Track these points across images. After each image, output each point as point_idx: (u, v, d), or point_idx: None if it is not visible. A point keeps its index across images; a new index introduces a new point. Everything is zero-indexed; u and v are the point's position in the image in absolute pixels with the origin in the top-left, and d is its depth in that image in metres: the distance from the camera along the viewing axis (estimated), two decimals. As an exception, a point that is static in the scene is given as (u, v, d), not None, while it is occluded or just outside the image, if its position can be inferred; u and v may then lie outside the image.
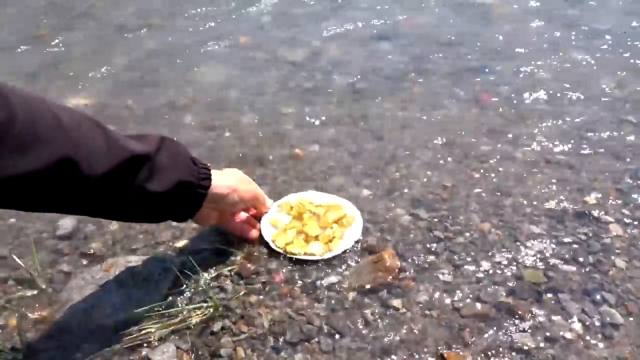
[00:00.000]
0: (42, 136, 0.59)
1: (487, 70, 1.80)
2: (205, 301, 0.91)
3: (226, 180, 0.89)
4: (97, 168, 0.64)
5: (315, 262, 0.97)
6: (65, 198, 0.65)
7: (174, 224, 1.11)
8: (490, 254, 1.02)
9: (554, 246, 1.04)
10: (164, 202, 0.76)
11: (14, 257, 1.03)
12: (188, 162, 0.79)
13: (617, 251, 1.03)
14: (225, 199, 0.88)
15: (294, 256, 0.97)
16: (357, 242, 1.02)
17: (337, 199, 1.11)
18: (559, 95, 1.63)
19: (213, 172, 0.85)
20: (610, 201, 1.17)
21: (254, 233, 1.02)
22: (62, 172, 0.61)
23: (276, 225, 1.04)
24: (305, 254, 0.98)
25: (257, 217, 1.08)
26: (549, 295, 0.93)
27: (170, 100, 1.66)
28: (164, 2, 2.57)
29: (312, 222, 1.04)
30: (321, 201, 1.10)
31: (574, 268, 0.99)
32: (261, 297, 0.93)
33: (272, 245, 0.99)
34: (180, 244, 1.06)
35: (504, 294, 0.93)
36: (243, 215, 1.04)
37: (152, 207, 0.75)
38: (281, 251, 0.98)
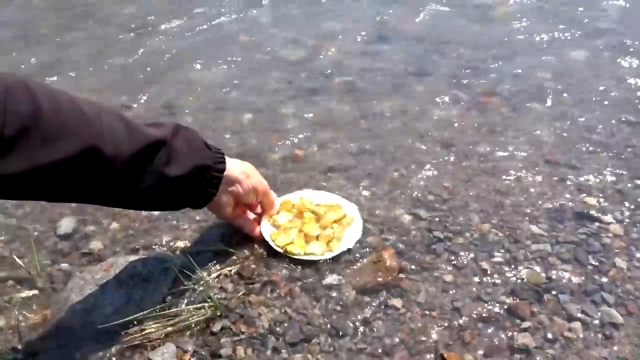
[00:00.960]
0: (68, 127, 0.61)
1: (487, 70, 1.80)
2: (205, 301, 0.91)
3: (240, 166, 0.90)
4: (120, 154, 0.66)
5: (316, 262, 0.97)
6: (91, 186, 0.67)
7: (174, 223, 1.11)
8: (490, 254, 1.02)
9: (554, 246, 1.04)
10: (182, 187, 0.77)
11: (14, 257, 1.03)
12: (203, 147, 0.81)
13: (617, 251, 1.03)
14: (240, 184, 0.89)
15: (294, 256, 0.96)
16: (357, 242, 1.02)
17: (337, 198, 1.10)
18: (558, 95, 1.63)
19: (228, 158, 0.87)
20: (610, 201, 1.17)
21: (258, 231, 1.02)
22: (88, 160, 0.63)
23: (276, 224, 1.03)
24: (305, 254, 0.97)
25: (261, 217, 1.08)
26: (549, 295, 0.93)
27: (170, 100, 1.66)
28: (164, 2, 2.57)
29: (312, 222, 1.03)
30: (321, 200, 1.09)
31: (574, 268, 0.99)
32: (261, 297, 0.93)
33: (272, 245, 0.98)
34: (181, 244, 1.06)
35: (504, 294, 0.93)
36: (251, 215, 1.05)
37: (172, 192, 0.76)
38: (281, 251, 0.97)
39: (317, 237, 1.00)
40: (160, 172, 0.72)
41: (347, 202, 1.09)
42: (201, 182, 0.81)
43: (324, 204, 1.08)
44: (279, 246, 0.98)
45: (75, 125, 0.62)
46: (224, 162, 0.85)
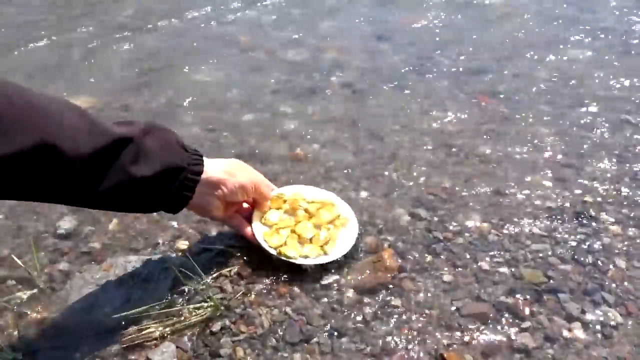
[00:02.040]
0: (21, 120, 0.58)
1: (487, 70, 1.80)
2: (205, 301, 0.91)
3: (222, 166, 0.85)
4: (78, 151, 0.62)
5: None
6: (48, 184, 0.63)
7: (174, 223, 1.11)
8: (490, 254, 1.02)
9: (554, 246, 1.04)
10: (152, 188, 0.73)
11: (14, 257, 1.03)
12: (177, 147, 0.76)
13: (617, 251, 1.03)
14: (225, 185, 0.84)
15: (288, 259, 0.92)
16: (353, 246, 0.96)
17: (331, 196, 1.04)
18: (558, 95, 1.63)
19: (208, 159, 0.82)
20: (610, 201, 1.17)
21: (249, 231, 0.96)
22: (40, 156, 0.59)
23: (267, 223, 0.97)
24: (300, 256, 0.93)
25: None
26: (549, 295, 0.93)
27: (170, 100, 1.66)
28: (164, 2, 2.57)
29: (305, 222, 0.98)
30: (314, 197, 1.03)
31: (574, 268, 0.99)
32: (261, 297, 0.93)
33: (265, 246, 0.93)
34: (180, 244, 1.06)
35: (504, 294, 0.93)
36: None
37: (140, 193, 0.72)
38: (274, 253, 0.92)
39: (310, 240, 0.95)
40: (126, 172, 0.68)
41: (341, 201, 1.03)
42: (174, 184, 0.76)
43: (317, 200, 1.02)
44: (272, 247, 0.93)
45: (29, 119, 0.59)
46: (201, 164, 0.80)
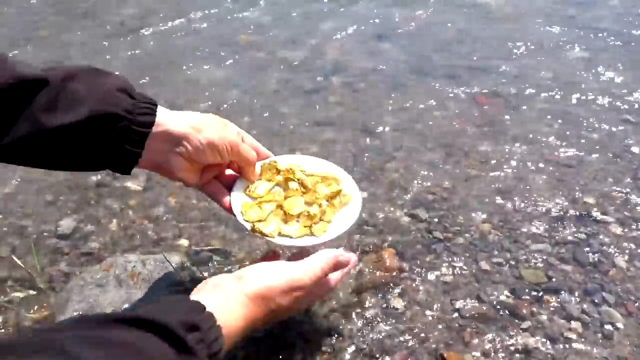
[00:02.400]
0: None
1: (487, 69, 1.80)
2: (205, 301, 0.91)
3: (188, 119, 0.69)
4: None
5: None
6: None
7: (174, 223, 1.11)
8: (490, 254, 1.02)
9: (554, 246, 1.04)
10: (75, 140, 0.60)
11: (14, 257, 1.03)
12: (115, 93, 0.62)
13: (617, 251, 1.03)
14: (188, 140, 0.68)
15: (265, 237, 0.73)
16: (351, 230, 0.81)
17: (336, 169, 0.85)
18: (558, 95, 1.63)
19: (169, 111, 0.69)
20: (610, 201, 1.17)
21: (227, 201, 0.77)
22: None
23: (252, 195, 0.79)
24: (280, 235, 0.74)
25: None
26: (549, 295, 0.93)
27: (170, 100, 1.66)
28: (164, 2, 2.57)
29: (297, 196, 0.79)
30: (315, 169, 0.84)
31: (574, 268, 0.99)
32: (261, 297, 0.93)
33: (240, 220, 0.74)
34: (180, 243, 1.06)
35: (504, 294, 0.93)
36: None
37: (60, 146, 0.60)
38: (248, 227, 0.73)
39: (297, 217, 0.77)
40: (36, 120, 0.57)
41: (348, 177, 0.84)
42: (109, 136, 0.62)
43: (318, 174, 0.83)
44: (247, 221, 0.74)
45: None
46: (151, 114, 0.66)
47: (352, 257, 0.73)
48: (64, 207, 1.18)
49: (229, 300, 0.57)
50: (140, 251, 1.05)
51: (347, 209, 0.79)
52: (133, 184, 1.23)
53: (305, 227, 0.75)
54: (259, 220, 0.74)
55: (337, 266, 0.70)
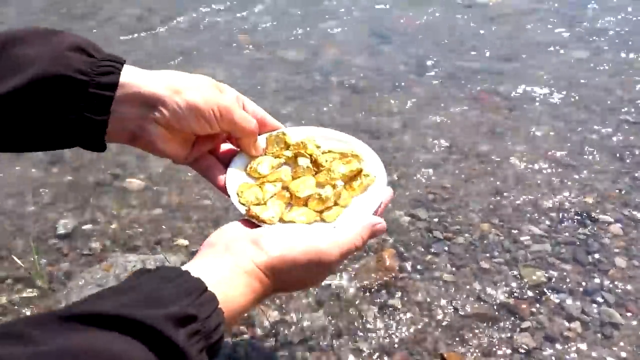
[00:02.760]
0: None
1: (487, 70, 1.80)
2: (205, 301, 0.91)
3: (165, 79, 0.56)
4: None
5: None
6: None
7: (174, 223, 1.11)
8: (490, 254, 1.02)
9: (554, 246, 1.04)
10: (22, 110, 0.50)
11: (14, 257, 1.03)
12: (68, 53, 0.51)
13: (617, 251, 1.03)
14: (162, 105, 0.55)
15: (262, 224, 0.57)
16: (374, 213, 0.60)
17: (359, 145, 0.69)
18: (559, 95, 1.63)
19: (141, 70, 0.57)
20: (610, 201, 1.17)
21: (222, 180, 0.63)
22: None
23: (254, 173, 0.64)
24: (282, 221, 0.59)
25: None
26: (549, 295, 0.93)
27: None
28: (164, 3, 2.57)
29: (307, 177, 0.64)
30: (334, 146, 0.69)
31: (574, 268, 0.99)
32: (261, 297, 0.93)
33: (234, 201, 0.60)
34: (180, 243, 1.06)
35: (504, 294, 0.93)
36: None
37: (9, 119, 0.50)
38: (242, 210, 0.59)
39: (305, 201, 0.61)
40: None
41: (373, 154, 0.67)
42: (63, 103, 0.51)
43: (337, 150, 0.68)
44: (243, 204, 0.60)
45: None
46: (114, 74, 0.53)
47: (383, 222, 0.59)
48: (64, 207, 1.18)
49: (237, 270, 0.48)
50: (140, 251, 1.05)
51: (369, 193, 0.63)
52: (133, 183, 1.23)
53: (315, 212, 0.60)
54: (258, 204, 0.59)
55: (370, 237, 0.57)
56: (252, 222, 0.57)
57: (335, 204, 0.62)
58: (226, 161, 0.64)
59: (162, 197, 1.20)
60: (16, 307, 0.93)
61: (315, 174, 0.65)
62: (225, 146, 0.66)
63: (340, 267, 0.97)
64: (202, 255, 0.51)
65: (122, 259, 1.01)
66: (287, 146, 0.67)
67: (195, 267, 0.46)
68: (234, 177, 0.63)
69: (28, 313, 0.92)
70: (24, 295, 0.96)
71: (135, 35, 2.22)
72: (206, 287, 0.43)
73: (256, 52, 2.00)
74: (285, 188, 0.63)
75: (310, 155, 0.66)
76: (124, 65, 0.55)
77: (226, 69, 1.88)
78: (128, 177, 1.24)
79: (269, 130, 0.68)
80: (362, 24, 2.23)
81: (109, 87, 0.53)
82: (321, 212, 0.60)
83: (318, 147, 0.68)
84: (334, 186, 0.62)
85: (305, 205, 0.61)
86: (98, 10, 2.55)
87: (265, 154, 0.66)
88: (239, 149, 0.66)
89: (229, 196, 0.60)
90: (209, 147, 0.64)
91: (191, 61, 1.96)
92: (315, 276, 0.54)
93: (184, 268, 0.45)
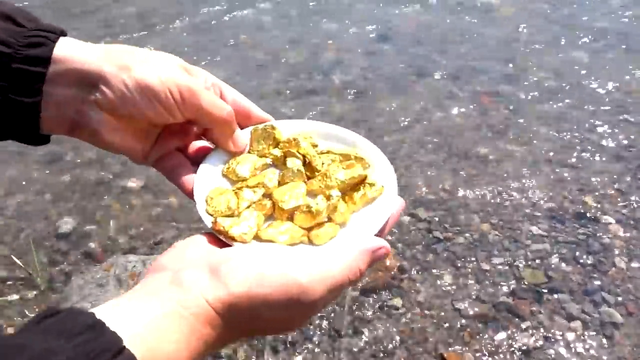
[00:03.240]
0: None
1: (487, 70, 1.79)
2: (205, 301, 0.91)
3: (110, 52, 0.46)
4: None
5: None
6: None
7: (174, 223, 1.11)
8: (490, 254, 1.02)
9: (554, 246, 1.04)
10: None
11: (14, 257, 1.03)
12: None
13: (617, 251, 1.03)
14: (103, 83, 0.44)
15: (231, 242, 0.44)
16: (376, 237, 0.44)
17: (367, 146, 0.54)
18: (559, 95, 1.63)
19: (81, 42, 0.45)
20: (610, 201, 1.17)
21: (190, 184, 0.49)
22: None
23: (232, 176, 0.51)
24: (257, 239, 0.46)
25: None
26: (549, 295, 0.93)
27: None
28: (164, 3, 2.57)
29: (295, 183, 0.51)
30: (334, 146, 0.55)
31: (574, 268, 0.99)
32: (261, 297, 0.93)
33: (199, 209, 0.47)
34: (180, 244, 1.06)
35: (504, 294, 0.93)
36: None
37: None
38: (208, 223, 0.45)
39: (291, 214, 0.48)
40: None
41: (382, 157, 0.53)
42: None
43: (336, 151, 0.55)
44: (210, 213, 0.47)
45: None
46: (45, 45, 0.43)
47: (386, 245, 0.45)
48: (64, 207, 1.18)
49: (178, 313, 0.36)
50: (141, 251, 1.05)
51: (374, 208, 0.49)
52: (133, 183, 1.23)
53: (301, 229, 0.47)
54: (230, 215, 0.47)
55: (370, 265, 0.44)
56: (218, 236, 0.44)
57: (329, 220, 0.48)
58: (199, 162, 0.51)
59: (162, 197, 1.20)
60: (16, 307, 0.93)
61: (308, 179, 0.52)
62: (199, 144, 0.52)
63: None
64: (141, 287, 0.38)
65: (123, 259, 1.01)
66: (277, 143, 0.54)
67: (119, 311, 0.34)
68: (205, 179, 0.50)
69: (28, 313, 0.92)
70: (24, 295, 0.96)
71: (135, 35, 2.22)
72: (122, 347, 0.32)
73: (257, 52, 2.00)
74: (268, 196, 0.50)
75: (304, 156, 0.53)
76: (61, 37, 0.44)
77: (226, 69, 1.88)
78: (128, 176, 1.24)
79: (255, 123, 0.54)
80: (362, 23, 2.22)
81: (39, 61, 0.43)
82: (310, 229, 0.48)
83: (314, 145, 0.55)
84: (328, 197, 0.49)
85: (291, 219, 0.48)
86: (97, 10, 2.55)
87: (249, 152, 0.54)
88: (214, 146, 0.52)
89: (195, 202, 0.47)
90: (177, 143, 0.51)
91: (192, 61, 1.95)
92: (292, 318, 0.40)
93: (103, 313, 0.33)
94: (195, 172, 0.50)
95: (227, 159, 0.52)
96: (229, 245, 0.43)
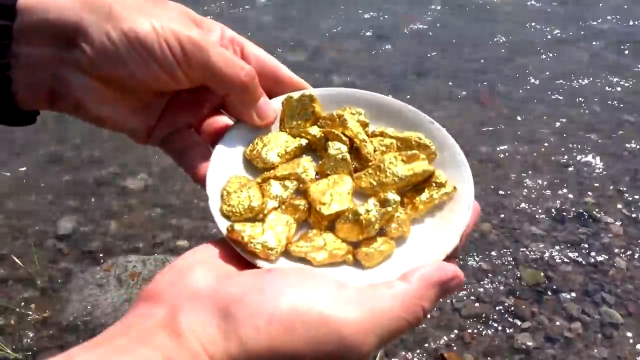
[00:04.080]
0: None
1: (487, 70, 1.79)
2: (206, 301, 0.91)
3: (91, 3, 0.34)
4: None
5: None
6: None
7: (175, 223, 1.11)
8: (490, 254, 1.02)
9: (554, 246, 1.04)
10: None
11: (14, 257, 1.03)
12: None
13: (617, 251, 1.03)
14: (81, 37, 0.33)
15: (252, 257, 0.33)
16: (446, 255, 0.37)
17: (432, 128, 0.44)
18: (559, 95, 1.63)
19: None
20: (610, 201, 1.17)
21: (202, 171, 0.38)
22: None
23: (257, 159, 0.39)
24: (285, 255, 0.35)
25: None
26: (549, 295, 0.93)
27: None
28: None
29: (340, 177, 0.39)
30: (390, 125, 0.44)
31: (574, 268, 0.99)
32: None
33: (212, 208, 0.36)
34: (180, 243, 1.06)
35: (504, 294, 0.93)
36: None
37: None
38: (223, 229, 0.34)
39: (333, 221, 0.37)
40: None
41: (453, 144, 0.43)
42: None
43: (393, 134, 0.43)
44: (226, 216, 0.36)
45: None
46: None
47: (460, 273, 0.34)
48: (64, 207, 1.18)
49: None
50: (141, 251, 1.05)
51: (442, 217, 0.39)
52: (133, 183, 1.23)
53: (345, 245, 0.36)
54: (251, 218, 0.36)
55: (437, 301, 0.32)
56: (235, 248, 0.33)
57: (382, 233, 0.36)
58: (216, 142, 0.39)
59: (162, 196, 1.19)
60: (16, 307, 0.93)
61: (355, 171, 0.40)
62: (218, 119, 0.40)
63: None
64: (125, 327, 0.28)
65: (123, 259, 1.01)
66: (315, 119, 0.41)
67: None
68: (221, 165, 0.38)
69: (28, 313, 0.92)
70: (24, 295, 0.96)
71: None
72: None
73: (256, 52, 2.00)
74: (302, 193, 0.38)
75: (351, 140, 0.40)
76: None
77: (226, 69, 1.88)
78: (128, 176, 1.24)
79: (288, 91, 0.41)
80: (363, 23, 2.23)
81: (2, 12, 0.32)
82: (356, 244, 0.36)
83: (365, 125, 0.42)
84: (382, 202, 0.36)
85: (332, 229, 0.36)
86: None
87: (281, 130, 0.41)
88: (235, 120, 0.40)
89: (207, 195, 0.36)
90: (188, 118, 0.40)
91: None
92: None
93: None
94: (209, 152, 0.38)
95: (252, 138, 0.39)
96: (247, 261, 0.32)
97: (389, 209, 0.36)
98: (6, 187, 1.23)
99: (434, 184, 0.39)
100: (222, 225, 0.34)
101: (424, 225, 0.37)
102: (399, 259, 0.35)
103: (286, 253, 0.34)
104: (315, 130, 0.40)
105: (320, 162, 0.39)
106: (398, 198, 0.36)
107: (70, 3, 0.33)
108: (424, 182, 0.39)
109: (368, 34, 2.14)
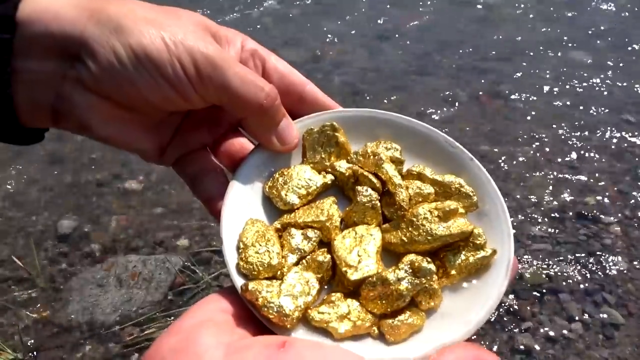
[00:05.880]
0: None
1: (487, 70, 1.79)
2: (206, 301, 0.91)
3: (102, 10, 0.31)
4: None
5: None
6: None
7: (175, 223, 1.11)
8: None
9: (554, 246, 1.04)
10: None
11: (14, 257, 1.03)
12: None
13: (617, 251, 1.03)
14: (85, 52, 0.31)
15: (268, 323, 0.30)
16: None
17: (475, 170, 0.41)
18: (559, 95, 1.63)
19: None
20: (610, 201, 1.17)
21: (215, 199, 0.35)
22: None
23: (277, 197, 0.35)
24: (307, 322, 0.31)
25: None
26: (549, 295, 0.93)
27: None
28: (164, 3, 2.57)
29: (367, 228, 0.35)
30: (428, 163, 0.40)
31: (574, 268, 0.99)
32: (261, 297, 0.93)
33: (227, 262, 0.33)
34: (181, 243, 1.06)
35: (504, 294, 0.93)
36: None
37: None
38: (237, 284, 0.32)
39: (358, 286, 0.33)
40: None
41: (495, 191, 0.40)
42: None
43: (432, 176, 0.39)
44: (243, 268, 0.33)
45: None
46: (9, 1, 0.30)
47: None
48: (64, 207, 1.18)
49: None
50: (141, 251, 1.05)
51: (477, 284, 0.34)
52: (133, 183, 1.23)
53: (370, 315, 0.32)
54: (269, 276, 0.33)
55: None
56: (250, 308, 0.30)
57: (413, 304, 0.32)
58: (234, 165, 0.36)
59: (162, 197, 1.19)
60: (16, 307, 0.93)
61: (384, 219, 0.35)
62: (237, 143, 0.37)
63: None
64: None
65: (123, 259, 1.01)
66: (340, 149, 0.37)
67: None
68: (237, 204, 0.34)
69: (28, 313, 0.92)
70: (24, 295, 0.96)
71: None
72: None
73: (256, 52, 2.00)
74: (326, 245, 0.34)
75: (383, 183, 0.35)
76: None
77: (226, 69, 1.88)
78: (128, 177, 1.24)
79: (314, 110, 0.37)
80: (363, 24, 2.23)
81: (2, 24, 0.29)
82: (383, 316, 0.32)
83: (400, 163, 0.38)
84: (417, 269, 0.32)
85: (355, 295, 0.32)
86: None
87: (303, 162, 0.36)
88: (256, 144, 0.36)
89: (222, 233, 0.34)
90: (203, 138, 0.37)
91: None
92: None
93: None
94: (226, 180, 0.35)
95: (272, 167, 0.36)
96: (261, 323, 0.30)
97: (423, 280, 0.31)
98: (7, 187, 1.23)
99: (471, 244, 0.34)
100: (237, 281, 0.32)
101: (455, 293, 0.32)
102: (427, 334, 0.31)
103: (305, 319, 0.31)
104: (344, 167, 0.35)
105: (347, 208, 0.35)
106: (434, 269, 0.32)
107: (75, 14, 0.30)
108: (462, 239, 0.34)
109: (368, 33, 2.14)
